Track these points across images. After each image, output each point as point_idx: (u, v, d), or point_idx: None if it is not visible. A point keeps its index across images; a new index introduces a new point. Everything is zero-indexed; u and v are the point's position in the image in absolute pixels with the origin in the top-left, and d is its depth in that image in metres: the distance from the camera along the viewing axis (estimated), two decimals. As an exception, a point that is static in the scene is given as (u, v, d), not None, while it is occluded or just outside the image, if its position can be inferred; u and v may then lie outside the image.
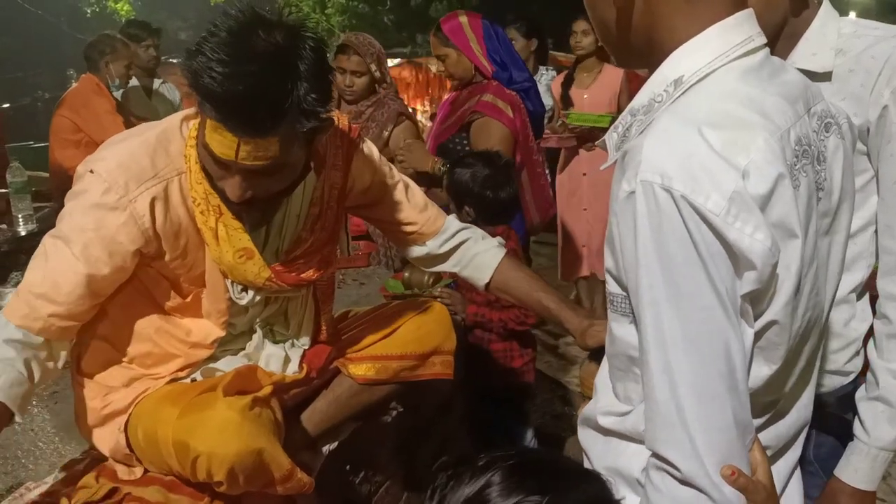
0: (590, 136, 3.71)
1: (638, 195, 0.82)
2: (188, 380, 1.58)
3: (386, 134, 2.99)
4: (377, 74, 2.99)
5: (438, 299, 2.19)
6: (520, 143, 2.77)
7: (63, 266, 1.35)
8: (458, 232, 1.80)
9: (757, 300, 0.86)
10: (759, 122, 0.84)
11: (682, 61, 0.88)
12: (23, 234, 3.44)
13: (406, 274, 2.51)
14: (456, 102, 2.86)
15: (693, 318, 0.82)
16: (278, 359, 1.65)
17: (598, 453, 1.05)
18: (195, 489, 1.54)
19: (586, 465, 1.08)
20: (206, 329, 1.55)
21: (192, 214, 1.42)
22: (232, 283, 1.50)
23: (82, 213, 1.36)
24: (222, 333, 1.56)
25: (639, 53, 0.93)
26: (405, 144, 2.81)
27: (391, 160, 2.79)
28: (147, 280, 1.49)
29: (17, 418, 1.35)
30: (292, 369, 1.67)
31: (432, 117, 4.73)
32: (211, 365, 1.60)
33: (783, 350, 0.91)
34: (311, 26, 1.39)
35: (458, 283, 2.53)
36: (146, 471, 1.57)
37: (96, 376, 1.55)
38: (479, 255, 1.79)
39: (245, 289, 1.51)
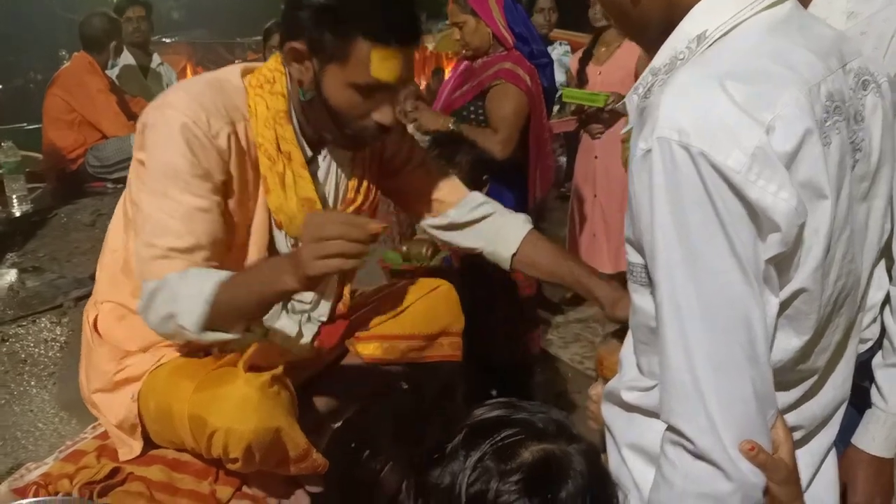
0: (595, 118, 3.58)
1: (654, 153, 0.78)
2: (202, 353, 1.54)
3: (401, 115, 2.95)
4: None
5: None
6: (533, 115, 2.74)
7: (192, 212, 1.34)
8: (482, 204, 1.74)
9: (783, 266, 0.82)
10: (787, 76, 0.79)
11: (705, 16, 0.84)
12: (17, 214, 3.40)
13: (405, 248, 2.49)
14: (469, 72, 2.82)
15: (710, 284, 0.78)
16: (291, 332, 1.61)
17: (622, 429, 1.02)
18: (200, 468, 1.52)
19: (608, 441, 1.05)
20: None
21: (254, 162, 1.43)
22: (285, 235, 1.49)
23: (180, 154, 1.33)
24: None
25: (660, 25, 0.88)
26: (413, 105, 2.79)
27: None
28: None
29: None
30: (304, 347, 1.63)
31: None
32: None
33: (813, 320, 0.87)
34: None
35: (452, 258, 2.51)
36: (145, 449, 1.55)
37: (113, 338, 1.51)
38: (505, 227, 1.72)
39: (296, 243, 1.50)
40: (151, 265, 1.34)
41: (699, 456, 0.82)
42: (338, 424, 1.79)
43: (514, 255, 1.70)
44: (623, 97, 3.24)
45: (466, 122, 2.75)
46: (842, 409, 1.02)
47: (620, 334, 1.20)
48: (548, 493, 0.79)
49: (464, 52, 2.81)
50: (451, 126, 2.71)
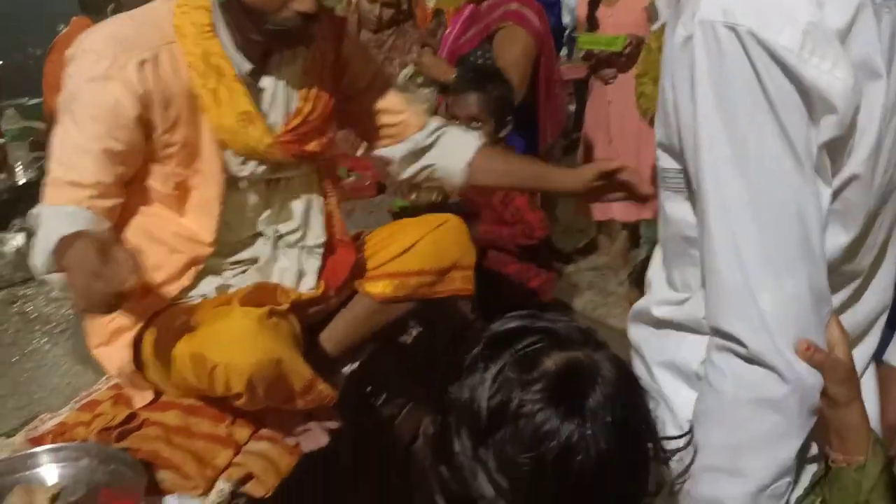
0: (608, 63, 3.47)
1: (696, 39, 0.73)
2: (198, 299, 1.53)
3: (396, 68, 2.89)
4: (405, 7, 2.92)
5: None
6: (543, 56, 2.68)
7: (79, 150, 1.33)
8: (442, 126, 1.75)
9: (836, 152, 0.77)
10: None
11: None
12: (21, 182, 3.36)
13: (413, 195, 2.46)
14: (475, 16, 2.76)
15: (760, 175, 0.74)
16: (292, 273, 1.59)
17: (652, 348, 0.98)
18: (215, 411, 1.51)
19: (637, 363, 1.01)
20: (202, 224, 1.49)
21: (186, 84, 1.39)
22: (233, 154, 1.45)
23: (79, 90, 1.34)
24: (215, 228, 1.49)
25: None
26: (419, 51, 2.74)
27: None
28: (139, 172, 1.44)
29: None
30: (308, 285, 1.61)
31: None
32: (222, 283, 1.54)
33: (862, 213, 0.83)
34: None
35: (466, 204, 2.48)
36: (157, 396, 1.54)
37: None
38: (458, 140, 1.74)
39: (245, 161, 1.47)
40: (44, 189, 1.37)
41: (751, 359, 0.78)
42: (351, 369, 1.77)
43: (470, 163, 1.70)
44: (641, 38, 3.17)
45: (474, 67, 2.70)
46: (882, 319, 0.98)
47: (638, 281, 1.16)
48: (575, 402, 0.74)
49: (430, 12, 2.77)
50: (451, 78, 2.68)
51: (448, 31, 3.02)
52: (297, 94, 1.50)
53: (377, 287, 1.69)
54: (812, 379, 0.78)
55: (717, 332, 0.81)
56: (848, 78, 0.72)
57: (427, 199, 2.45)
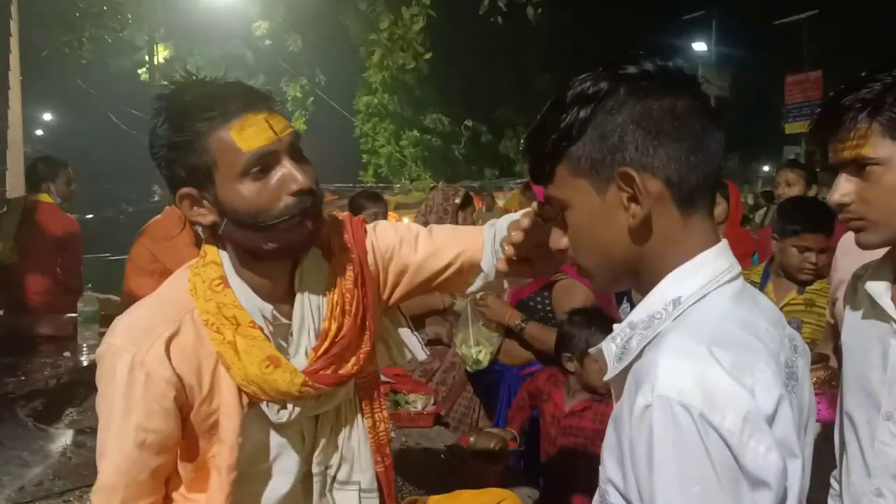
0: None
1: (655, 410, 0.83)
2: None
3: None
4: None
5: None
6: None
7: (115, 451, 1.29)
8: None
9: None
10: (757, 345, 0.89)
11: (680, 283, 0.93)
12: (85, 364, 3.39)
13: (472, 438, 2.38)
14: None
15: None
16: None
17: None
18: None
19: None
20: (218, 487, 1.35)
21: (209, 344, 1.32)
22: (267, 405, 1.35)
23: (109, 388, 1.29)
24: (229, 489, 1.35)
25: (627, 274, 0.98)
26: (482, 296, 2.75)
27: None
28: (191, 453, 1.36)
29: None
30: None
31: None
32: None
33: None
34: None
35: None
36: None
37: None
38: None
39: (283, 406, 1.36)
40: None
41: None
42: None
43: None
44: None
45: (532, 312, 2.69)
46: None
47: None
48: None
49: None
50: (518, 322, 2.69)
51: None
52: (324, 313, 1.40)
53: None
54: None
55: None
56: (779, 460, 0.82)
57: (485, 445, 2.37)
